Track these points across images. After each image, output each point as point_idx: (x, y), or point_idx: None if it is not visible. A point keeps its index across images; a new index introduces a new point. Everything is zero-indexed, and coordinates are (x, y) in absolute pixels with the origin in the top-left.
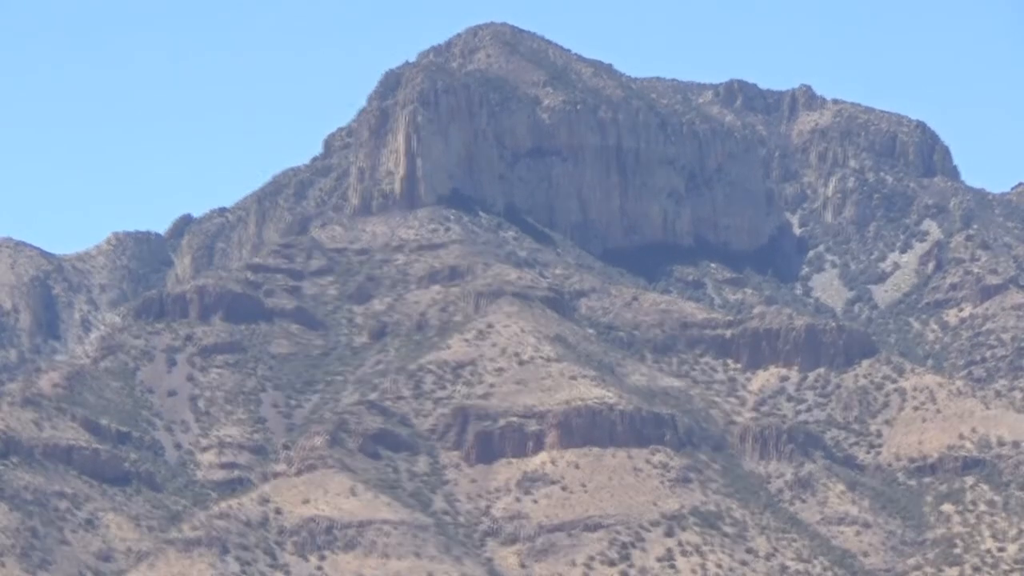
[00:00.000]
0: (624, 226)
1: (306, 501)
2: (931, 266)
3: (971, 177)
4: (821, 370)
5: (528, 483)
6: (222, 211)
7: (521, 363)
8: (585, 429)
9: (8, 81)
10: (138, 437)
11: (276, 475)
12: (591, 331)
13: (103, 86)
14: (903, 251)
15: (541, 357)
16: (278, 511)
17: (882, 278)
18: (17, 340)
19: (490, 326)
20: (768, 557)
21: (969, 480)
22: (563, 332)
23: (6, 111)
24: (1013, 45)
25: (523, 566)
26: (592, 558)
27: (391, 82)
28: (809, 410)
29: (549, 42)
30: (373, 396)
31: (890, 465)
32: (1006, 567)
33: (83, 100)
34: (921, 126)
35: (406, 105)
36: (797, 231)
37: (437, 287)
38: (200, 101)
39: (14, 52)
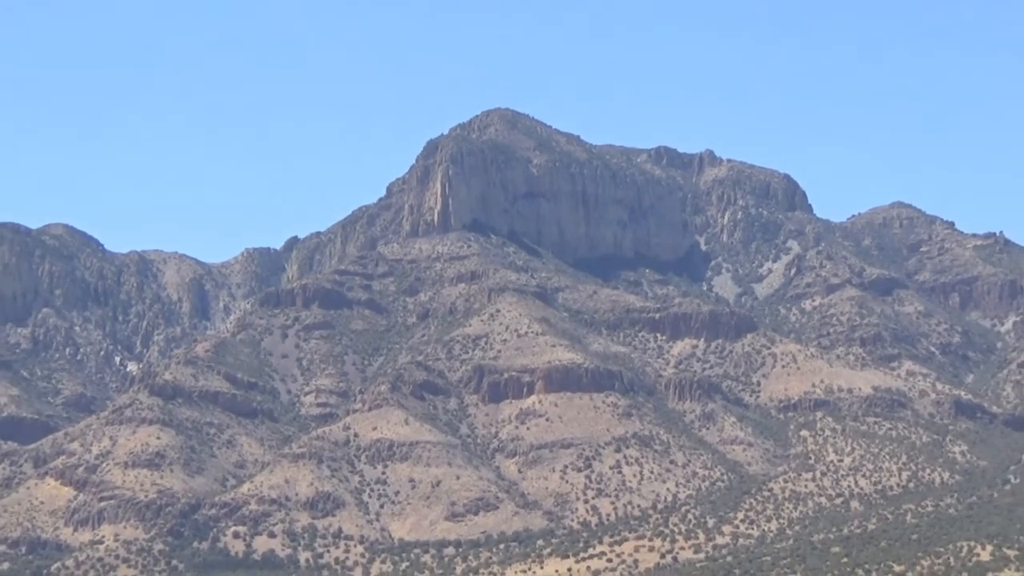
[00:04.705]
0: (588, 244)
1: (374, 428)
2: (793, 271)
3: (820, 211)
4: (719, 340)
5: (523, 416)
6: (318, 234)
7: (519, 336)
8: (561, 380)
9: (175, 136)
10: (262, 385)
11: (354, 411)
12: (565, 314)
13: (238, 144)
14: (774, 261)
15: (532, 332)
16: (356, 435)
17: (760, 279)
18: (181, 321)
19: (498, 311)
20: (684, 466)
21: (819, 414)
22: (547, 315)
23: (181, 161)
24: (852, 122)
25: (520, 472)
26: (566, 467)
27: (432, 147)
28: (712, 367)
29: (537, 121)
30: (420, 358)
31: (766, 404)
32: (843, 472)
33: (230, 160)
34: (787, 177)
35: (441, 163)
36: (703, 248)
37: (462, 285)
38: (304, 161)
39: (177, 118)
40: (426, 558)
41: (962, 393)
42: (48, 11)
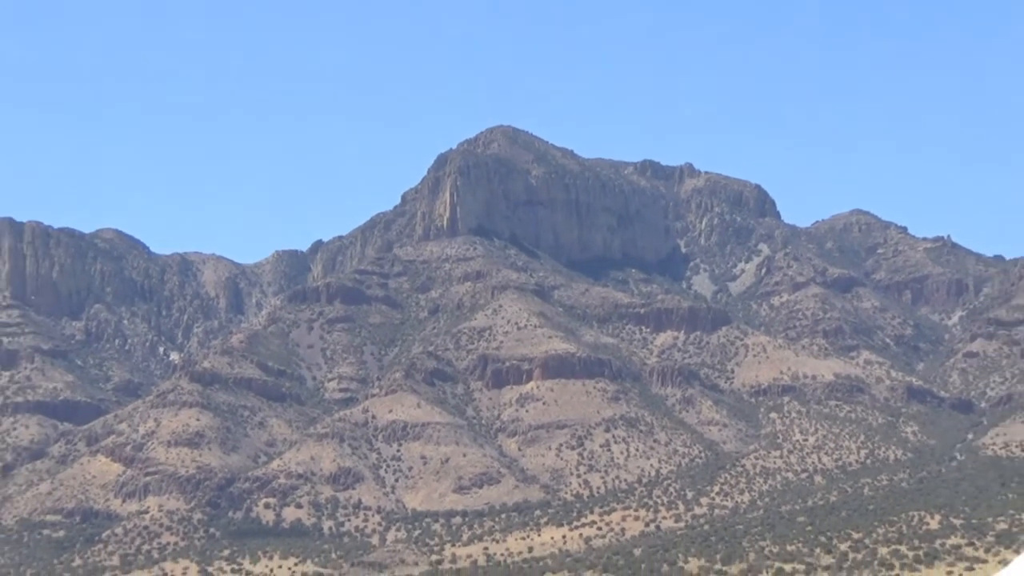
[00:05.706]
0: (580, 246)
1: (390, 411)
2: (763, 271)
3: (788, 217)
4: (698, 332)
5: (523, 400)
6: (340, 237)
7: (519, 328)
8: (557, 368)
9: (214, 151)
10: (290, 372)
11: (372, 395)
12: (561, 309)
13: (270, 159)
14: (747, 262)
15: (531, 325)
16: (373, 416)
17: (734, 278)
18: (218, 315)
19: (500, 306)
20: (666, 444)
21: (786, 399)
22: (544, 310)
23: (219, 173)
24: (816, 137)
25: (519, 450)
26: (561, 445)
27: (441, 160)
28: (691, 356)
29: (535, 136)
30: (431, 348)
31: (739, 389)
32: (808, 450)
33: (263, 172)
34: (758, 187)
35: (450, 174)
36: (683, 250)
37: (468, 283)
38: (328, 173)
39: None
40: (436, 526)
41: (913, 380)
42: (94, 32)
